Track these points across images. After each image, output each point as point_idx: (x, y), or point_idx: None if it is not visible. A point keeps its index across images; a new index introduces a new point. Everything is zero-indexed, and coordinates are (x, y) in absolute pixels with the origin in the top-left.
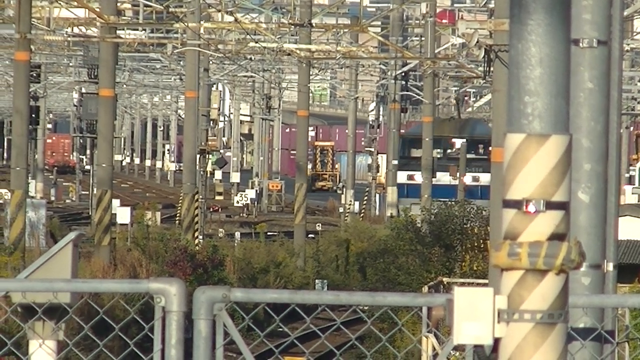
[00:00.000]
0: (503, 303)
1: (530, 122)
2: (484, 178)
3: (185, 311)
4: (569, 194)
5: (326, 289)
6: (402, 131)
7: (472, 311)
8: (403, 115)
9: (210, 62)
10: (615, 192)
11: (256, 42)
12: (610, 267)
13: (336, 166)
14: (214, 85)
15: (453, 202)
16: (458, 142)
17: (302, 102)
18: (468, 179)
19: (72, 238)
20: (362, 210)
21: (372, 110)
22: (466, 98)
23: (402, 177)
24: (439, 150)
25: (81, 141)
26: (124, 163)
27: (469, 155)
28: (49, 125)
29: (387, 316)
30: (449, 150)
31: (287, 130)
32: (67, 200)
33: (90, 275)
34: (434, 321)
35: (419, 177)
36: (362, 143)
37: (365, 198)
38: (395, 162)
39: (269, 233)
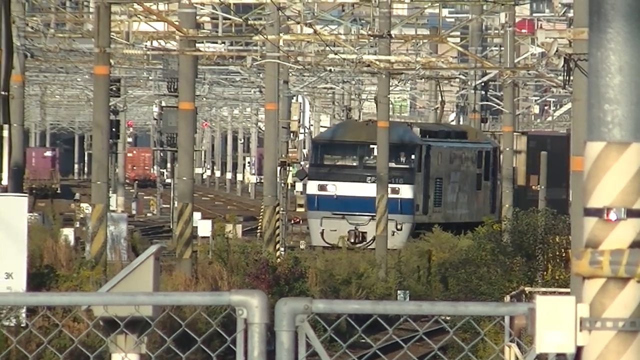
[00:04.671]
0: (585, 311)
1: (610, 130)
2: (405, 190)
3: (267, 323)
4: None
5: (408, 300)
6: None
7: (554, 320)
8: (483, 125)
9: (290, 74)
10: None
11: (335, 54)
12: None
13: None
14: (294, 97)
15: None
16: (376, 149)
17: (382, 113)
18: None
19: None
20: None
21: (452, 121)
22: (546, 107)
23: (312, 187)
24: (354, 157)
25: (162, 154)
26: (204, 176)
27: (389, 164)
28: (130, 139)
29: (469, 326)
30: (366, 158)
31: None
32: (148, 214)
33: (172, 289)
34: (516, 330)
35: (331, 188)
36: None
37: None
38: None
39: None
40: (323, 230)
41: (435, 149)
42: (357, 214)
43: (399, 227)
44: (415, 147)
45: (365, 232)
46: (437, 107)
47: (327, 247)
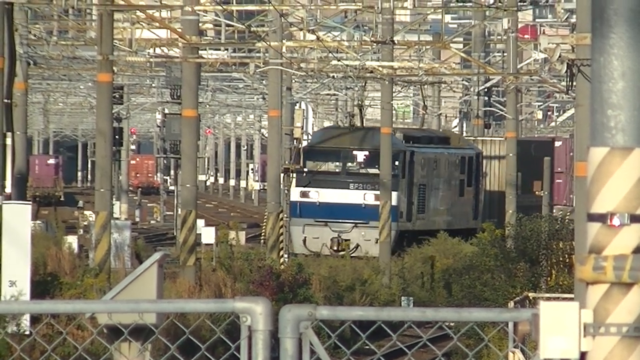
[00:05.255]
0: (589, 317)
1: (614, 136)
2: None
3: (271, 330)
4: None
5: (412, 306)
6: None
7: (558, 325)
8: (486, 131)
9: (293, 81)
10: None
11: (338, 60)
12: None
13: None
14: (297, 104)
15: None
16: (360, 155)
17: (386, 119)
18: (370, 197)
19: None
20: None
21: (456, 127)
22: (549, 113)
23: (294, 193)
24: (337, 163)
25: (165, 162)
26: (208, 183)
27: (370, 170)
28: (133, 147)
29: (473, 332)
30: (349, 164)
31: None
32: (152, 221)
33: (176, 296)
34: (520, 336)
35: (314, 194)
36: None
37: None
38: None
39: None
40: (305, 237)
41: (419, 154)
42: (340, 221)
43: None
44: (399, 153)
45: (349, 240)
46: (425, 113)
47: (309, 255)
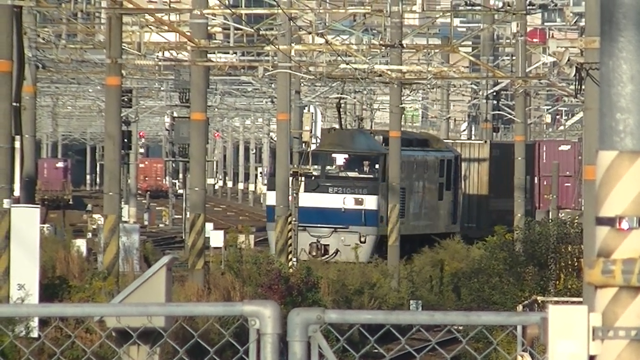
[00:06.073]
0: (597, 320)
1: (622, 139)
2: (370, 201)
3: (279, 333)
4: None
5: (420, 309)
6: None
7: (567, 329)
8: (495, 135)
9: (302, 84)
10: None
11: (347, 64)
12: None
13: None
14: (306, 107)
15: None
16: (339, 158)
17: (394, 123)
18: (350, 201)
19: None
20: None
21: (464, 130)
22: (558, 116)
23: (272, 198)
24: (316, 166)
25: (174, 165)
26: (216, 187)
27: (351, 174)
28: (142, 150)
29: (482, 335)
30: (328, 167)
31: None
32: (160, 225)
33: (185, 299)
34: (528, 340)
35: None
36: None
37: None
38: None
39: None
40: None
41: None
42: (318, 226)
43: (362, 239)
44: (379, 156)
45: (327, 245)
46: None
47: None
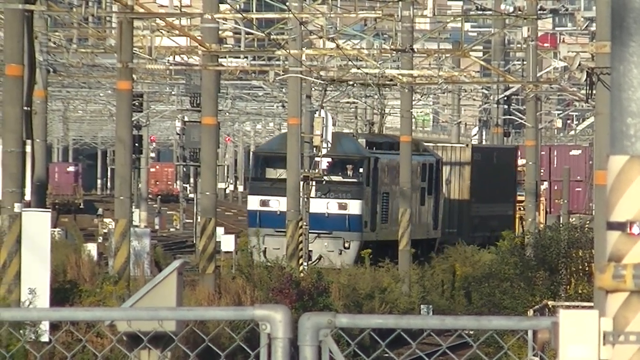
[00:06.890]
0: (608, 325)
1: (633, 144)
2: (354, 206)
3: (290, 338)
4: None
5: (431, 314)
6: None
7: (578, 334)
8: (506, 139)
9: (313, 89)
10: None
11: (358, 68)
12: None
13: None
14: (317, 112)
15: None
16: (323, 162)
17: (405, 127)
18: (333, 206)
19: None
20: None
21: (475, 135)
22: (569, 121)
23: (253, 202)
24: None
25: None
26: (227, 191)
27: (334, 178)
28: (152, 154)
29: (492, 340)
30: (311, 171)
31: None
32: (171, 229)
33: (196, 304)
34: (539, 344)
35: (274, 203)
36: None
37: None
38: None
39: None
40: (265, 248)
41: (383, 161)
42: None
43: (346, 245)
44: (363, 160)
45: (311, 251)
46: (386, 116)
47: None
